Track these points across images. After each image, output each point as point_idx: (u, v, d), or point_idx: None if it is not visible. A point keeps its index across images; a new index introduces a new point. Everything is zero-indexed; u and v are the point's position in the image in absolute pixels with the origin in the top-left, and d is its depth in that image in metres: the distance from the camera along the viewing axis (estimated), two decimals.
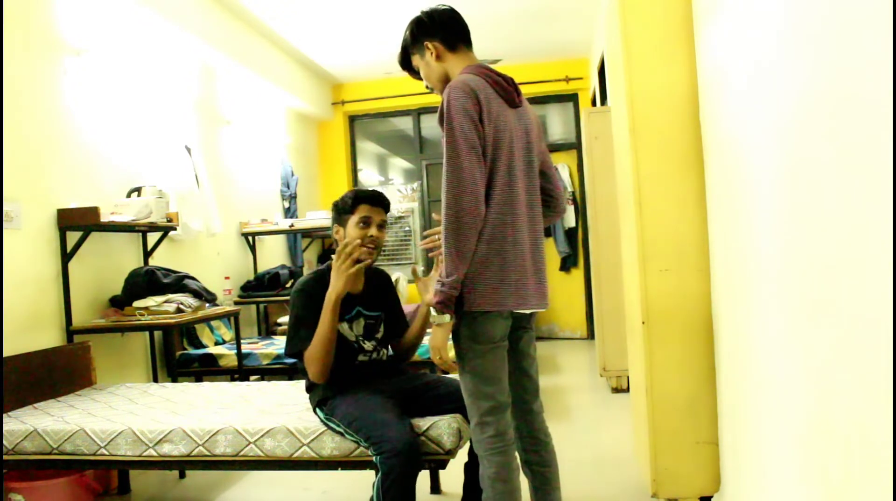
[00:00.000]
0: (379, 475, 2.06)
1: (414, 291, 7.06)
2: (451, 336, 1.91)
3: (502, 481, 1.86)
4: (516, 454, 1.96)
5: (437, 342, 1.88)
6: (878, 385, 1.17)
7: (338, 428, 2.27)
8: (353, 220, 2.36)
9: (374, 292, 2.51)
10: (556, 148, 7.32)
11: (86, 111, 3.68)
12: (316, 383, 2.36)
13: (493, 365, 1.90)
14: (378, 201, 2.40)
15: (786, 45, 1.54)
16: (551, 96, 7.29)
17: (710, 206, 2.33)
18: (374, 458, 2.11)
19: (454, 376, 2.69)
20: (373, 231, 2.37)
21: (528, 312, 1.98)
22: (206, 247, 4.88)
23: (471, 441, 2.32)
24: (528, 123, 2.00)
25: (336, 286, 2.28)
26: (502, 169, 1.87)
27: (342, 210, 2.40)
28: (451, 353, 1.94)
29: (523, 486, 1.99)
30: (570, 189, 7.19)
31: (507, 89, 1.94)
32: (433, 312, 1.85)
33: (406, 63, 2.12)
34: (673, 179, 2.43)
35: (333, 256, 2.32)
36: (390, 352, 2.58)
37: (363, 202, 2.38)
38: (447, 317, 1.84)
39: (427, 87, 2.11)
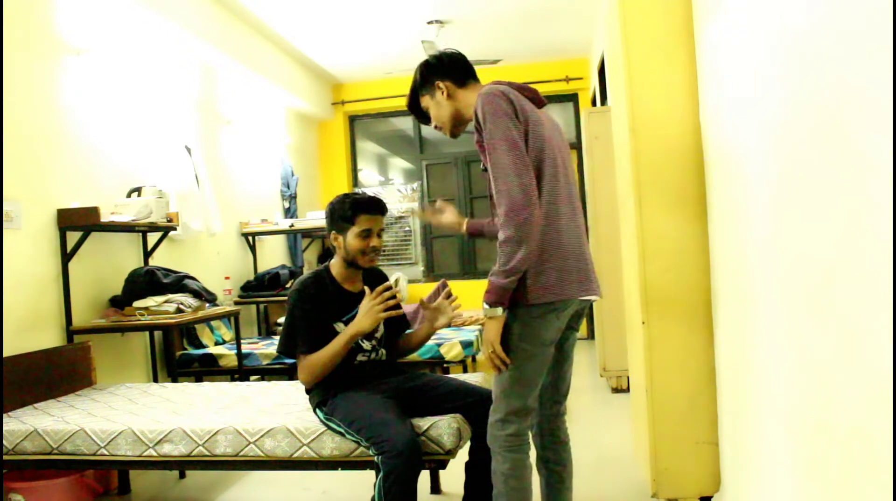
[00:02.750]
0: (380, 475, 2.07)
1: (413, 291, 7.05)
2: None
3: (516, 478, 1.88)
4: (531, 453, 1.97)
5: (490, 335, 1.85)
6: (878, 385, 1.17)
7: (338, 428, 2.27)
8: (354, 231, 2.36)
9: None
10: None
11: (86, 111, 3.68)
12: (318, 387, 2.38)
13: (534, 370, 1.89)
14: (377, 208, 2.40)
15: (785, 45, 1.54)
16: (551, 96, 7.27)
17: (710, 206, 2.33)
18: (375, 458, 2.11)
19: (454, 375, 2.70)
20: (374, 242, 2.38)
21: (592, 298, 1.98)
22: (206, 247, 4.88)
23: (471, 441, 2.33)
24: (556, 123, 2.05)
25: (362, 325, 2.30)
26: (547, 162, 1.88)
27: (340, 218, 2.39)
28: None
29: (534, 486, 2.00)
30: None
31: (531, 91, 1.98)
32: (484, 305, 1.84)
33: (415, 106, 2.14)
34: (673, 180, 2.43)
35: (367, 296, 2.32)
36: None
37: (363, 213, 2.37)
38: (500, 310, 1.83)
39: (436, 127, 2.12)
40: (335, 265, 2.48)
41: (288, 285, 5.34)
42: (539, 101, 1.99)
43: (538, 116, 1.92)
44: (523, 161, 1.81)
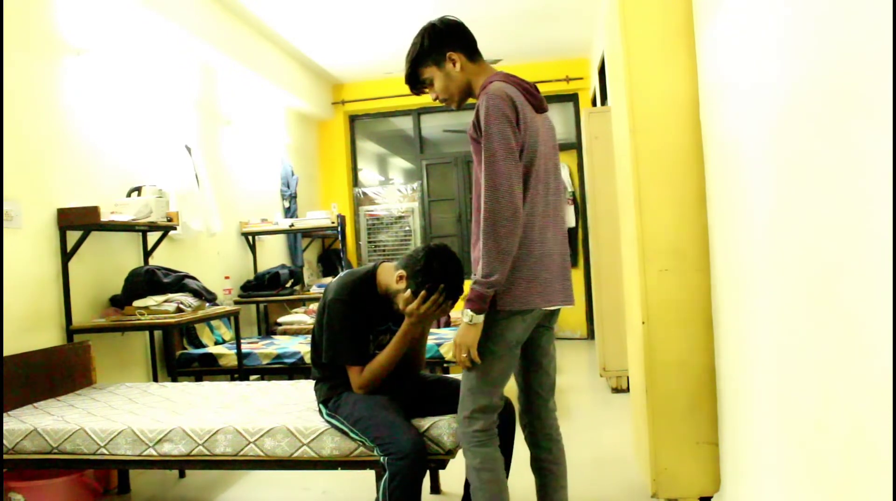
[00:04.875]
0: (386, 476, 2.07)
1: None
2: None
3: (487, 470, 1.92)
4: (498, 446, 1.99)
5: (467, 340, 1.84)
6: (878, 385, 1.17)
7: (341, 426, 2.26)
8: (429, 302, 2.17)
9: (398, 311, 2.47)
10: None
11: (86, 111, 3.68)
12: (326, 383, 2.37)
13: (500, 369, 1.93)
14: (458, 298, 2.25)
15: (784, 45, 1.54)
16: (551, 96, 7.28)
17: (710, 206, 2.33)
18: (380, 459, 2.11)
19: (455, 376, 2.70)
20: (420, 312, 2.21)
21: (553, 309, 1.99)
22: (206, 247, 4.88)
23: None
24: (551, 128, 2.05)
25: (417, 330, 2.25)
26: (533, 172, 1.89)
27: (425, 283, 2.16)
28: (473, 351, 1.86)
29: (529, 484, 2.00)
30: (570, 189, 7.20)
31: (536, 96, 1.97)
32: (467, 311, 1.83)
33: (413, 74, 2.03)
34: (673, 180, 2.43)
35: (409, 306, 2.20)
36: None
37: (449, 298, 2.21)
38: (481, 317, 1.83)
39: (439, 99, 2.04)
40: (385, 273, 2.31)
41: (288, 285, 5.34)
42: (541, 106, 1.98)
43: (536, 124, 1.92)
44: (518, 172, 1.82)
